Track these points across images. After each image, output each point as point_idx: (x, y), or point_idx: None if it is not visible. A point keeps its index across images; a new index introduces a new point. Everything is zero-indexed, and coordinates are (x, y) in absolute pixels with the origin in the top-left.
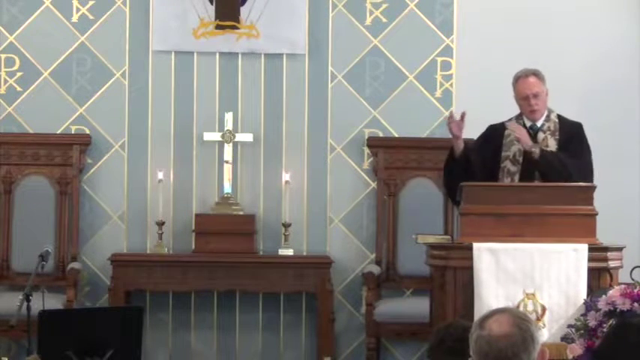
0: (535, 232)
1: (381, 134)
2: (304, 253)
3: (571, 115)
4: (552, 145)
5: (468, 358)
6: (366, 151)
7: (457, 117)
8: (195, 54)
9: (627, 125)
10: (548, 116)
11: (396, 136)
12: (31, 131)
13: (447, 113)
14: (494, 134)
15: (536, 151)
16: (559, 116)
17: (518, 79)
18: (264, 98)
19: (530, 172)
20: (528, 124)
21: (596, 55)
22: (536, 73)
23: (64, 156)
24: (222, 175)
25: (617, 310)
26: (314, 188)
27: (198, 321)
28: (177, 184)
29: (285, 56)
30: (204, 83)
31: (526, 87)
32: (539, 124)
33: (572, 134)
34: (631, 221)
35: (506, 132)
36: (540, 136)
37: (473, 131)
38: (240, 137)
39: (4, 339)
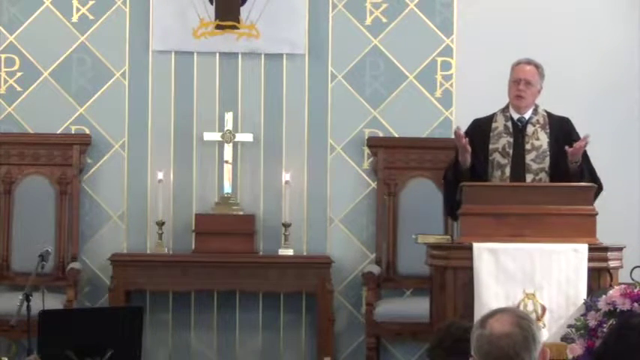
0: (535, 232)
1: (381, 134)
2: (304, 253)
3: (572, 116)
4: (543, 138)
5: (468, 358)
6: (366, 151)
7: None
8: (195, 54)
9: (627, 126)
10: (535, 110)
11: (396, 136)
12: (31, 131)
13: (454, 128)
14: (480, 128)
15: (577, 163)
16: (546, 111)
17: (519, 63)
18: (264, 98)
19: (520, 165)
20: (516, 116)
21: (596, 55)
22: (537, 65)
23: (64, 156)
24: (222, 175)
25: (617, 310)
26: (314, 188)
27: (198, 321)
28: (177, 184)
29: (285, 56)
30: (204, 83)
31: (521, 71)
32: (527, 116)
33: (563, 130)
34: (631, 221)
35: (494, 125)
36: (530, 129)
37: None
38: (240, 137)
39: (4, 339)
